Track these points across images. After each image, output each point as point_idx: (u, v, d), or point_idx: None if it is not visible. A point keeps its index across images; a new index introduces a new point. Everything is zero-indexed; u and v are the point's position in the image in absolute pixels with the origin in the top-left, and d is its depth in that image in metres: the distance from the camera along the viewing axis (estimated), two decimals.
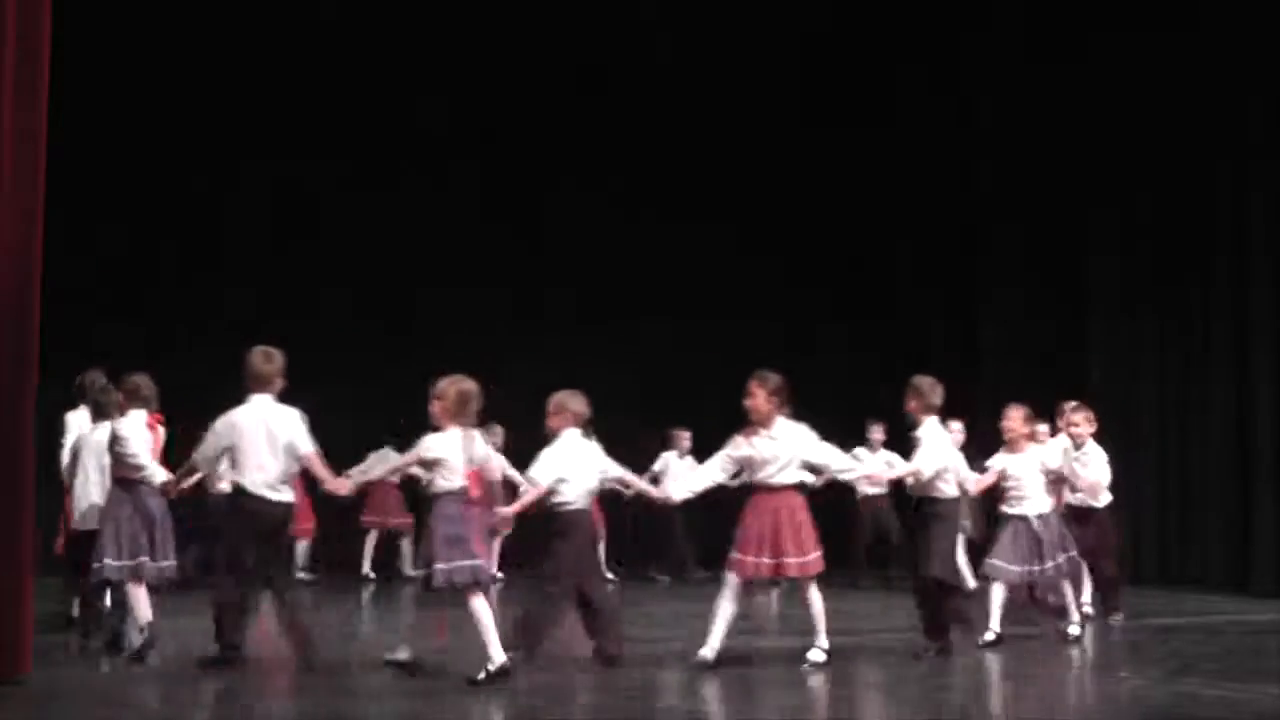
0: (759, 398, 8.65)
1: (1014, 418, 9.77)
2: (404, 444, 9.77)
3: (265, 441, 8.22)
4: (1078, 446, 10.69)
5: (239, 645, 8.31)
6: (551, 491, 8.52)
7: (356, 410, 14.10)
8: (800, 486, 8.74)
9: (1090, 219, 14.86)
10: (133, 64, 14.64)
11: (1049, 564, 9.72)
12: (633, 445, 11.70)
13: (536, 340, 15.65)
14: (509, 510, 8.64)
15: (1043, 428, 10.90)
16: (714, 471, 8.87)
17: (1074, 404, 11.00)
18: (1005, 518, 9.82)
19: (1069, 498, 10.58)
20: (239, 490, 8.29)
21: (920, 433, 9.17)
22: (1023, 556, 9.67)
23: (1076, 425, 10.73)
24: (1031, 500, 9.76)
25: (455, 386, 8.19)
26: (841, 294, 16.79)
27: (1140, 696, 7.91)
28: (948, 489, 9.17)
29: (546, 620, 8.56)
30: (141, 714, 7.47)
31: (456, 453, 8.09)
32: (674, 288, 16.27)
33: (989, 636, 9.43)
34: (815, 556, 8.63)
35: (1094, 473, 10.60)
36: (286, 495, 8.33)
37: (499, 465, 9.27)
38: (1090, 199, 14.84)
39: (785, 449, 8.64)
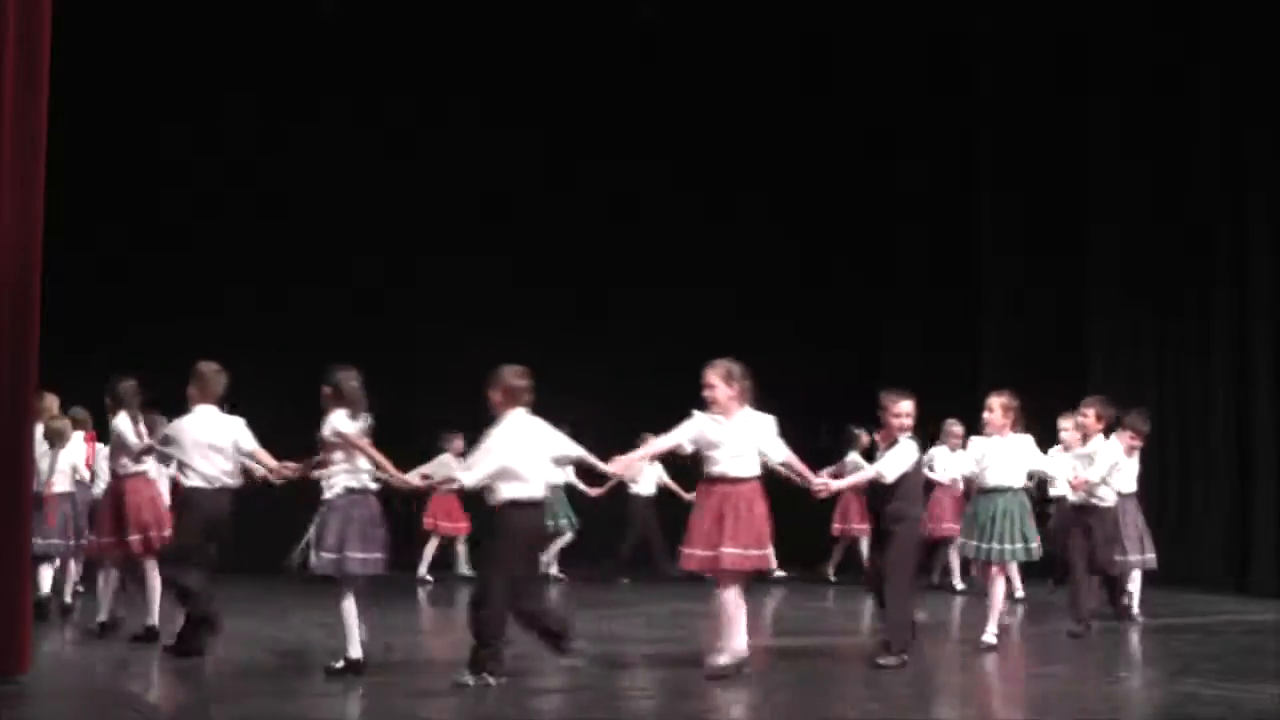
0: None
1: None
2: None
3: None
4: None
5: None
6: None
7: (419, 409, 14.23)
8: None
9: (1090, 219, 14.86)
10: (132, 64, 14.65)
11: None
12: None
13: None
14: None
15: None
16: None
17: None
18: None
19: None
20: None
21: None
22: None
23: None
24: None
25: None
26: (841, 293, 16.79)
27: (1140, 696, 7.91)
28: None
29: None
30: (141, 713, 7.47)
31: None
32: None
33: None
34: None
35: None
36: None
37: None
38: (1090, 199, 14.84)
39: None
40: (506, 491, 7.90)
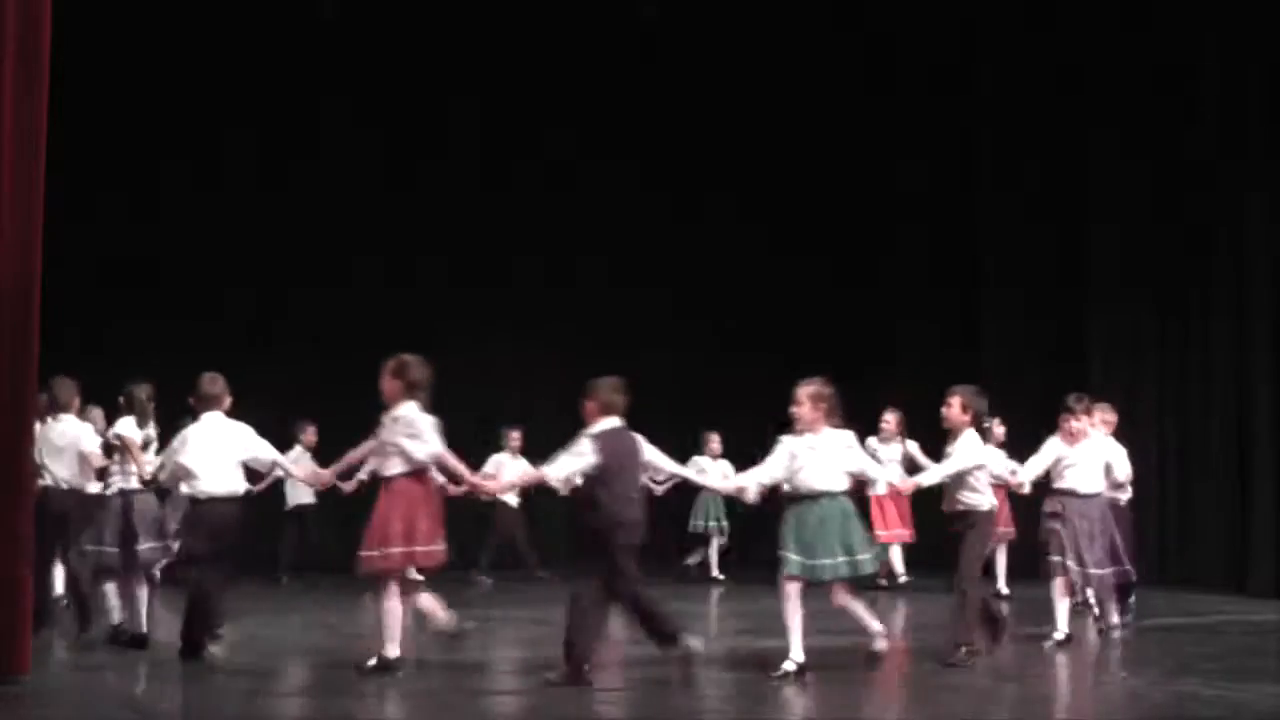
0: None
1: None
2: None
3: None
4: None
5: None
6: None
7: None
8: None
9: (1091, 218, 14.85)
10: (132, 63, 14.66)
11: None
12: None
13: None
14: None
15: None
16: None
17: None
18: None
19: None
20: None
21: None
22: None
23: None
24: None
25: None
26: (840, 293, 16.79)
27: (1140, 696, 7.90)
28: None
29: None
30: (142, 713, 7.47)
31: None
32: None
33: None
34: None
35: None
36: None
37: None
38: (1090, 198, 14.84)
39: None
40: (200, 485, 8.64)
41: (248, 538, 9.14)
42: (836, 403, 8.40)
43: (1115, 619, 10.30)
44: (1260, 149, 13.19)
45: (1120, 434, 11.56)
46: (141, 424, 9.34)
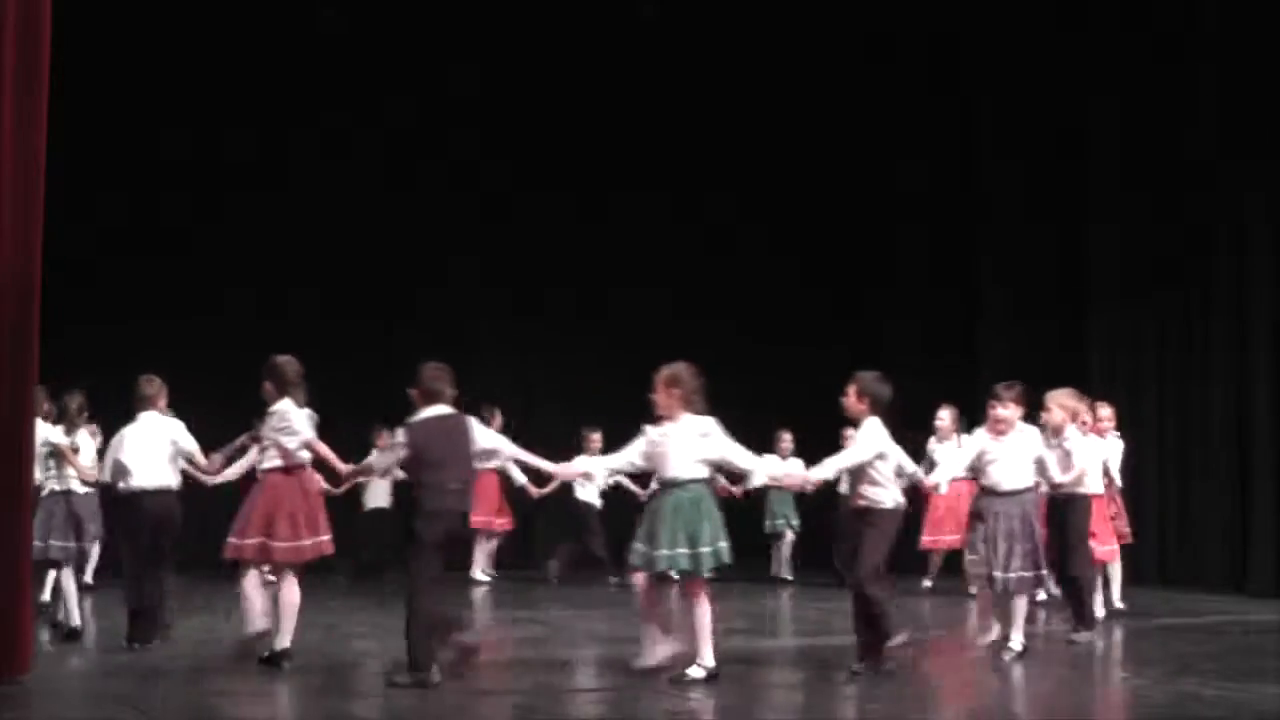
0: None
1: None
2: None
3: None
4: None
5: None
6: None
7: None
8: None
9: (1090, 218, 14.85)
10: (132, 63, 14.66)
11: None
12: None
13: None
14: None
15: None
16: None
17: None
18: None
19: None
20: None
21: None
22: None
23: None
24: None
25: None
26: (840, 294, 16.79)
27: (1140, 696, 7.91)
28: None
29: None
30: (141, 713, 7.46)
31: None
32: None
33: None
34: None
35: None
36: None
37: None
38: (1090, 198, 14.84)
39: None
40: (131, 481, 9.19)
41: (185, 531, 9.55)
42: (697, 388, 8.00)
43: (1083, 634, 9.67)
44: (1260, 149, 13.19)
45: (1120, 434, 11.61)
46: (68, 431, 9.89)
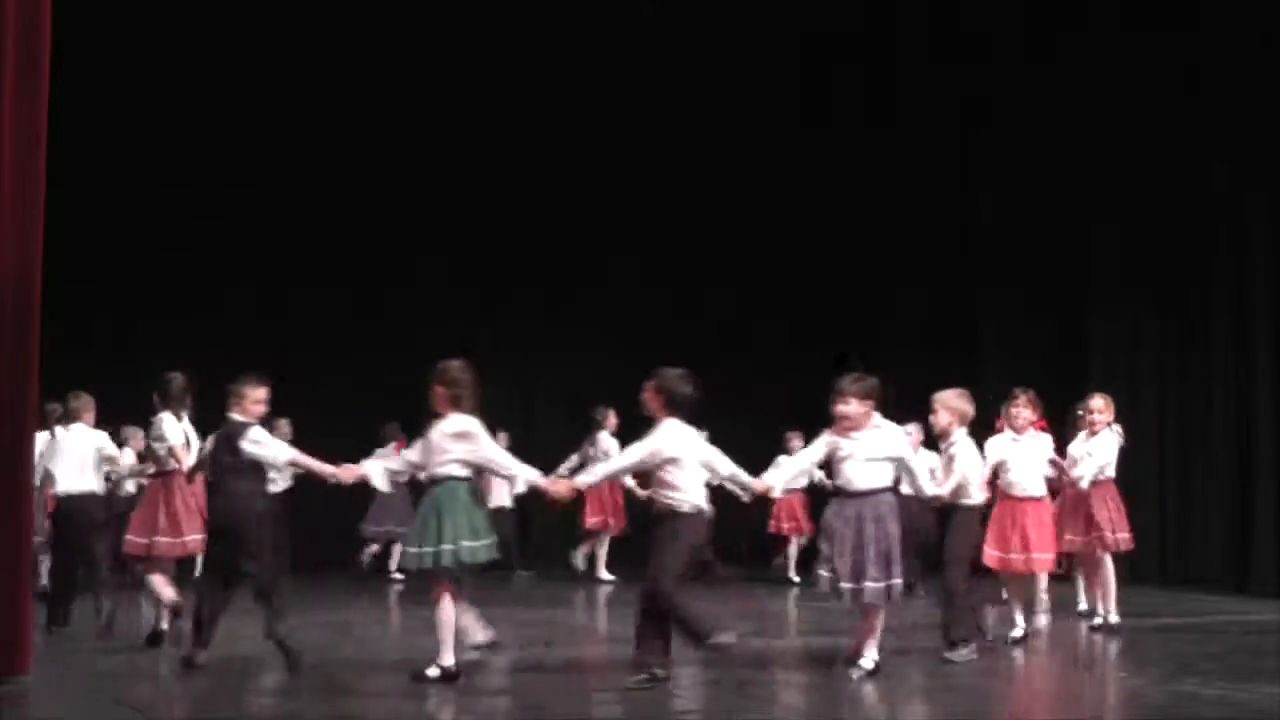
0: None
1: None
2: None
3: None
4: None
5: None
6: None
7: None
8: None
9: (1090, 219, 14.86)
10: (133, 63, 14.67)
11: None
12: None
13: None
14: None
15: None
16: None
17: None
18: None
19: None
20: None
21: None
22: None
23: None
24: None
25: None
26: (839, 293, 16.80)
27: (1140, 696, 7.90)
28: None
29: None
30: (141, 713, 7.46)
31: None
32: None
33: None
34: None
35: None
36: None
37: None
38: (1090, 198, 14.85)
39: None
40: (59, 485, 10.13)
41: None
42: (467, 386, 7.91)
43: (961, 650, 8.74)
44: (1260, 149, 13.20)
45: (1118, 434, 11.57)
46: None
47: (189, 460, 9.22)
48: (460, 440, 7.85)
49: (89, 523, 10.24)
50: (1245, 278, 13.34)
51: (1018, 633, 9.62)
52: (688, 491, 7.88)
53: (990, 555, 9.66)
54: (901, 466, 8.41)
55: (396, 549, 14.06)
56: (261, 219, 15.46)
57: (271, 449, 8.44)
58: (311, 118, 15.67)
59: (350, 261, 15.73)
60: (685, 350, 9.11)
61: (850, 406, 8.14)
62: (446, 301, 15.98)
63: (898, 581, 8.11)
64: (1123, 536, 10.57)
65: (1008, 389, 10.13)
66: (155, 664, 8.75)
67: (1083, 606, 11.08)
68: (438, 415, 7.95)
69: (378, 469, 8.43)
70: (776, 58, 16.57)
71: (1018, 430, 9.76)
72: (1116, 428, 10.71)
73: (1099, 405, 10.64)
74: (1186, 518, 13.83)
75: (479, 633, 8.34)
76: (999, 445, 9.73)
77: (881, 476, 8.20)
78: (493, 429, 8.34)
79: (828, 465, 8.48)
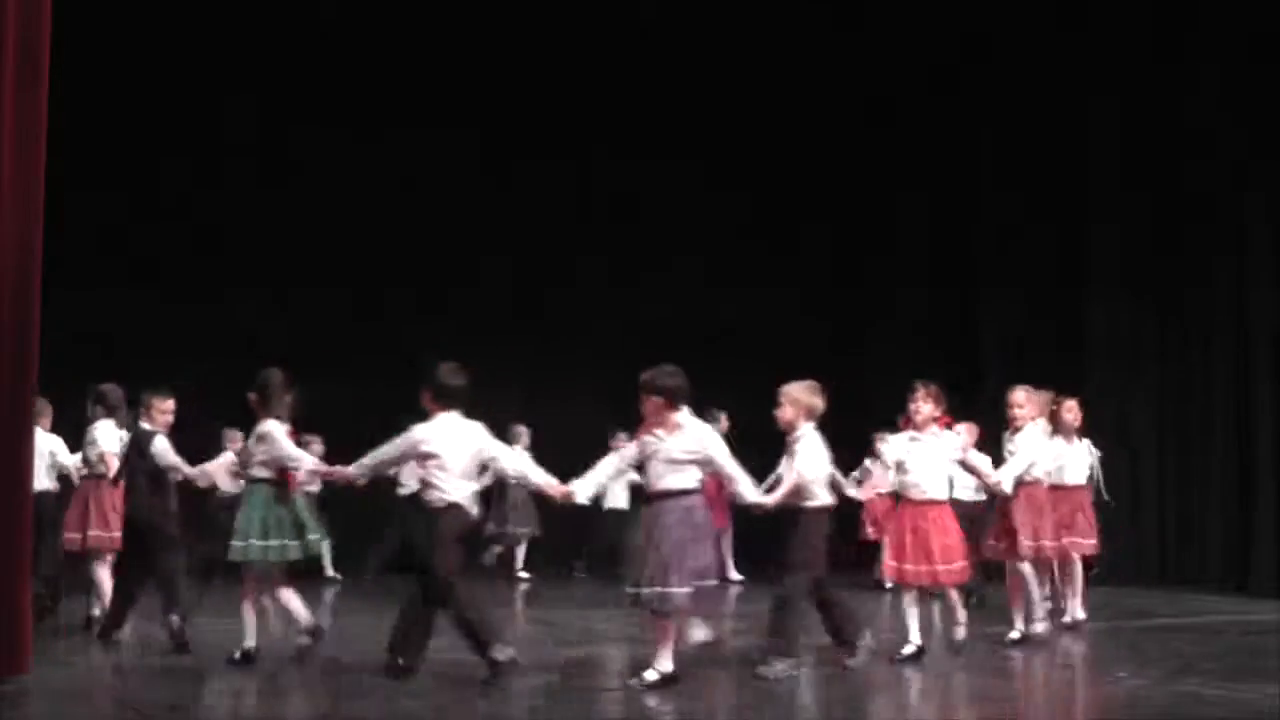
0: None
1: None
2: None
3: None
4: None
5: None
6: None
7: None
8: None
9: (1090, 219, 14.86)
10: (133, 62, 14.67)
11: None
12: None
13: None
14: None
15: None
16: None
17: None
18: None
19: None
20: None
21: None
22: None
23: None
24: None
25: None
26: (841, 292, 16.80)
27: (1140, 696, 7.90)
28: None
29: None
30: (142, 713, 7.47)
31: None
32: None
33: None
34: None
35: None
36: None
37: None
38: (1090, 199, 14.85)
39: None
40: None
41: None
42: (276, 392, 8.38)
43: (776, 665, 8.11)
44: (1260, 149, 13.20)
45: (1120, 434, 11.58)
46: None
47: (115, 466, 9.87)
48: (258, 442, 8.44)
49: (46, 520, 10.36)
50: (1245, 278, 13.35)
51: (1015, 634, 9.61)
52: (446, 489, 7.83)
53: (889, 566, 9.07)
54: (710, 466, 7.90)
55: (521, 549, 14.80)
56: (262, 219, 15.44)
57: (170, 458, 9.43)
58: (311, 118, 15.66)
59: (350, 261, 15.72)
60: (686, 350, 9.07)
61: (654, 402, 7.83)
62: (446, 301, 15.99)
63: (710, 582, 7.75)
64: (1047, 544, 9.76)
65: (1007, 389, 10.10)
66: (155, 664, 8.75)
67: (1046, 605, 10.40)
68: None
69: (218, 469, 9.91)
70: (776, 58, 16.54)
71: (918, 427, 8.91)
72: (1087, 441, 10.65)
73: (1019, 400, 9.87)
74: (1187, 518, 13.84)
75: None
76: (896, 444, 9.10)
77: (687, 478, 7.77)
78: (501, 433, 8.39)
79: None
